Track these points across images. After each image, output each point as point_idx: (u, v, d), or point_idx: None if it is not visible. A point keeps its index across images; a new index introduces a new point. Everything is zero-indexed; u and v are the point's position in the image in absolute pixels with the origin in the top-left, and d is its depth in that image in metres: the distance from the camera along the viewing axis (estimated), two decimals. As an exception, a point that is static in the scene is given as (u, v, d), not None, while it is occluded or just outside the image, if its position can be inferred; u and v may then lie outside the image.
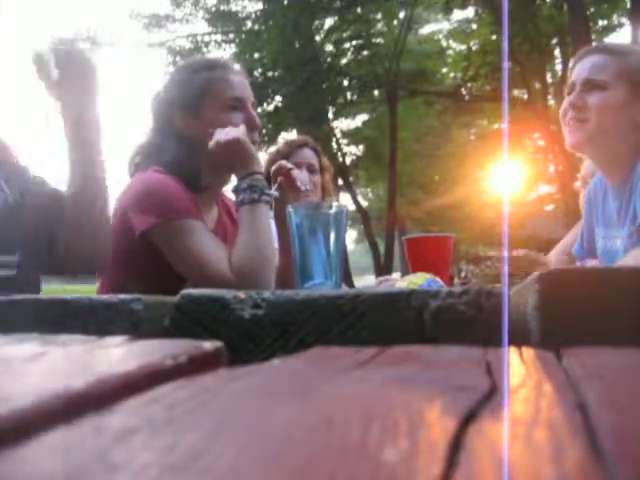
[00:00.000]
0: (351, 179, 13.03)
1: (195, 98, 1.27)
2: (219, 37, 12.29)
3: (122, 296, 0.49)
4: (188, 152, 1.27)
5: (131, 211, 1.18)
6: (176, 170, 1.24)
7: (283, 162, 1.33)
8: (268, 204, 1.21)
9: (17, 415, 0.17)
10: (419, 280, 1.11)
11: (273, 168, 1.31)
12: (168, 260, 1.18)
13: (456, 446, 0.15)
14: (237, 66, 1.36)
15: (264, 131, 10.26)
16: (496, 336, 0.37)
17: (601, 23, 11.15)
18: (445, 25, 13.11)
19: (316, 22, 11.97)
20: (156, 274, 1.18)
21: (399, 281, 1.21)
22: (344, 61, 12.42)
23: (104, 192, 1.10)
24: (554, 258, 1.59)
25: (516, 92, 11.17)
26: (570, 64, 1.41)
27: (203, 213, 1.27)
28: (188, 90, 1.29)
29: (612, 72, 1.29)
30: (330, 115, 12.86)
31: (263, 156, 2.03)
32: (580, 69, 1.34)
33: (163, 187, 1.19)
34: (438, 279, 1.12)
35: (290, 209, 0.99)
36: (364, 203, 14.79)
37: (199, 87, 1.28)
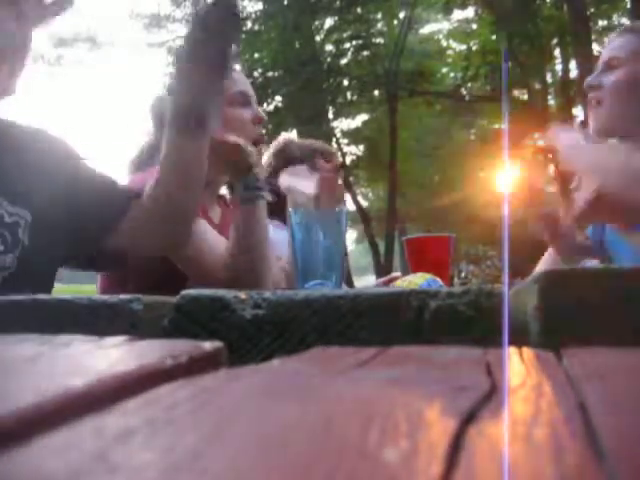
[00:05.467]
0: (351, 179, 13.03)
1: None
2: (219, 37, 12.27)
3: (122, 296, 0.49)
4: None
5: None
6: None
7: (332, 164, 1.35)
8: (263, 202, 1.20)
9: (17, 415, 0.17)
10: (419, 280, 1.11)
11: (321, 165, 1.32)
12: (169, 257, 1.18)
13: (456, 446, 0.15)
14: (236, 65, 1.38)
15: (264, 131, 10.26)
16: (496, 336, 0.37)
17: (601, 23, 11.15)
18: (445, 25, 13.12)
19: (316, 22, 11.97)
20: (156, 273, 1.18)
21: (399, 281, 1.22)
22: (344, 61, 12.42)
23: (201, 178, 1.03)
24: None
25: (516, 92, 11.17)
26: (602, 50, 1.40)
27: (207, 210, 1.27)
28: None
29: (630, 50, 1.28)
30: (330, 115, 12.86)
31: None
32: (604, 51, 1.34)
33: None
34: (438, 279, 1.13)
35: (290, 209, 0.99)
36: (364, 203, 14.79)
37: None
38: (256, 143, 1.29)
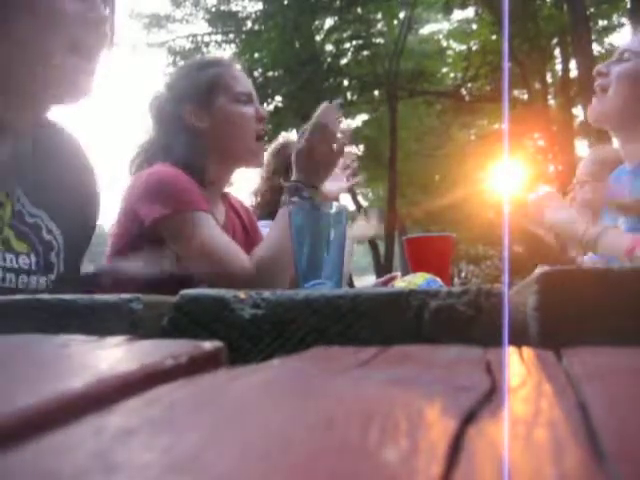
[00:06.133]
0: (351, 179, 12.99)
1: (206, 91, 1.30)
2: (219, 37, 12.28)
3: (122, 295, 0.49)
4: (198, 146, 1.28)
5: (141, 202, 1.17)
6: (184, 165, 1.24)
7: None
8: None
9: (18, 415, 0.17)
10: (419, 280, 1.11)
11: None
12: (179, 255, 1.17)
13: (456, 446, 0.15)
14: (236, 63, 1.41)
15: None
16: (496, 336, 0.37)
17: (601, 23, 11.14)
18: (445, 25, 13.10)
19: (316, 22, 11.97)
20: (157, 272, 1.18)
21: (399, 281, 1.22)
22: (344, 61, 12.41)
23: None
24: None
25: (516, 92, 11.16)
26: None
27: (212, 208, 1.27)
28: (198, 84, 1.31)
29: None
30: (330, 115, 12.81)
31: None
32: (623, 43, 1.35)
33: (175, 179, 1.18)
34: (438, 279, 1.12)
35: (291, 209, 0.99)
36: (364, 203, 14.77)
37: (209, 81, 1.31)
38: (259, 139, 1.32)
